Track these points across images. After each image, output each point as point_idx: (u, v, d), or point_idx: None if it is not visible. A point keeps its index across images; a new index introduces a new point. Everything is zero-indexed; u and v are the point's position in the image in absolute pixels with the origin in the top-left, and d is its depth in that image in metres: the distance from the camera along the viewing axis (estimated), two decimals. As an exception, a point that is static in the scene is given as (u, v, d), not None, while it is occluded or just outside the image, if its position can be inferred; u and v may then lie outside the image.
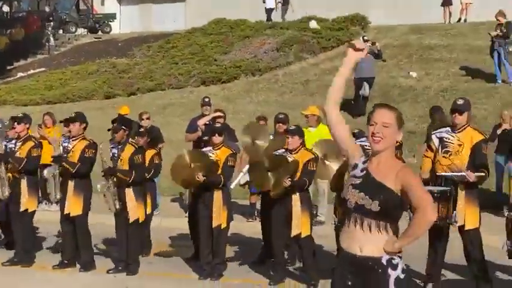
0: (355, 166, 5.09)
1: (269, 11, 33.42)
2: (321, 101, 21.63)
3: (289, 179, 9.90)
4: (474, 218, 9.23)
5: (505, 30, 20.46)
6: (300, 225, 10.01)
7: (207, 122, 13.25)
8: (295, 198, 10.03)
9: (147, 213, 11.56)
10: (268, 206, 10.57)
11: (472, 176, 9.07)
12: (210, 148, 10.69)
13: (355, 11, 29.11)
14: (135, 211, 10.80)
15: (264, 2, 33.66)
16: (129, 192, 10.77)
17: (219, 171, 10.47)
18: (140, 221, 10.95)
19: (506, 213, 9.50)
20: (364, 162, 5.07)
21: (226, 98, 24.45)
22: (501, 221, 9.87)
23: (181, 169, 10.59)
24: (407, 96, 21.92)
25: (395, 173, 4.91)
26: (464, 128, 9.30)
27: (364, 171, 5.02)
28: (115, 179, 10.72)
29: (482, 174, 9.14)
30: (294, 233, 10.04)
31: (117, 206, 10.72)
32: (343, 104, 21.16)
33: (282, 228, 10.18)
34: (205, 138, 11.96)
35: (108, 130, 11.17)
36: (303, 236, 10.06)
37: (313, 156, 10.17)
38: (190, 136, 14.10)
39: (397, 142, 5.05)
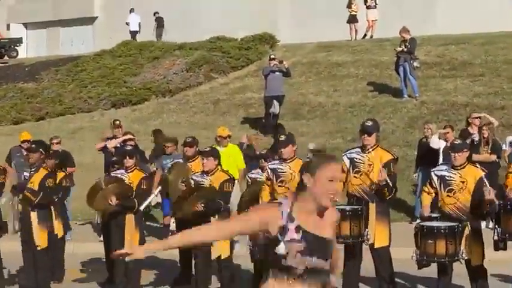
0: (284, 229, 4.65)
1: (133, 33, 34.12)
2: (231, 120, 21.77)
3: (203, 204, 9.84)
4: (384, 236, 9.44)
5: (409, 46, 20.97)
6: (219, 247, 9.99)
7: (117, 145, 13.20)
8: (214, 220, 9.82)
9: (59, 237, 11.28)
10: (184, 227, 10.49)
11: (384, 175, 9.22)
12: (123, 171, 10.62)
13: (263, 30, 29.35)
14: (37, 237, 10.54)
15: (127, 25, 34.21)
16: (34, 216, 10.53)
17: (133, 195, 10.41)
18: (43, 247, 10.62)
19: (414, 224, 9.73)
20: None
21: (137, 119, 24.33)
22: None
23: (95, 192, 10.50)
24: (317, 113, 22.18)
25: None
26: (374, 148, 9.50)
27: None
28: (21, 199, 10.51)
29: (388, 184, 9.29)
30: (214, 255, 10.01)
31: (17, 228, 10.51)
32: (253, 122, 21.47)
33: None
34: (115, 159, 11.88)
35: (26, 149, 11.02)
36: (222, 257, 10.06)
37: (229, 177, 10.19)
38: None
39: None
